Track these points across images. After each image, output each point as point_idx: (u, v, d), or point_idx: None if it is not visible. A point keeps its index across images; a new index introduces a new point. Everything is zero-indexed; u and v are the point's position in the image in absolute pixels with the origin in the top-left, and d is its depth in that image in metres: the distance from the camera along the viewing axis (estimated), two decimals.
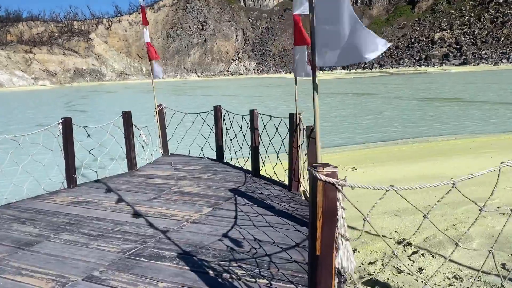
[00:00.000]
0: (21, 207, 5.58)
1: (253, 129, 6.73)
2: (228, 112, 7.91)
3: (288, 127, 5.92)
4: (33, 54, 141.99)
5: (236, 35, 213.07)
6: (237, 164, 7.74)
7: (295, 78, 5.87)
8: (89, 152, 7.31)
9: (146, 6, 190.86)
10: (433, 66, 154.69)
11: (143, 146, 8.34)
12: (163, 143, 9.08)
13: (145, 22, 8.75)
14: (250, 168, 7.19)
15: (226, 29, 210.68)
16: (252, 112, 6.75)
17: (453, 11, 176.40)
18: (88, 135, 7.02)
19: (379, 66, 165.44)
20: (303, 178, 5.81)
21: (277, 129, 6.38)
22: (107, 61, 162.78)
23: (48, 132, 6.57)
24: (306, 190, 5.84)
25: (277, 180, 6.52)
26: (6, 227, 4.81)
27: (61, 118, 6.52)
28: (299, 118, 5.71)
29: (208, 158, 8.53)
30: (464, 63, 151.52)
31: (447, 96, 31.72)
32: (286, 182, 6.37)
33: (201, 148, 8.70)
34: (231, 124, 7.73)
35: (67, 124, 6.56)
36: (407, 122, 19.88)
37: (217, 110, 8.07)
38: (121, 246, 4.05)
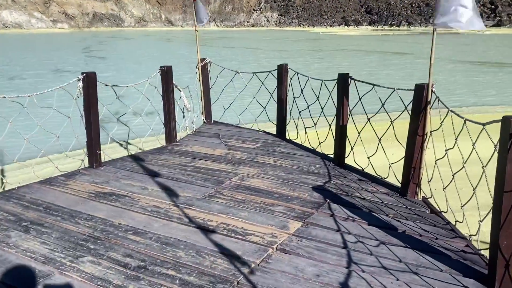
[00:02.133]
0: (26, 199, 3.97)
1: (342, 99, 4.88)
2: (298, 74, 5.99)
3: (410, 105, 4.03)
4: None
5: None
6: (306, 144, 5.96)
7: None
8: (118, 119, 5.59)
9: None
10: None
11: (183, 113, 6.58)
12: (205, 108, 7.30)
13: None
14: (326, 152, 5.43)
15: None
16: (343, 77, 4.87)
17: None
18: (117, 97, 5.28)
19: (407, 23, 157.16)
20: (428, 180, 4.02)
21: (383, 104, 4.51)
22: (126, 6, 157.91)
23: (64, 91, 4.83)
24: (429, 198, 4.07)
25: (376, 176, 4.74)
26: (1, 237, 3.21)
27: (82, 74, 4.75)
28: (432, 92, 3.82)
29: (265, 132, 6.75)
30: (498, 24, 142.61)
31: (501, 60, 28.78)
32: (387, 177, 4.61)
33: (255, 119, 6.90)
34: (301, 91, 5.82)
35: (90, 82, 4.80)
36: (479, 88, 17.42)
37: (282, 70, 6.17)
38: None
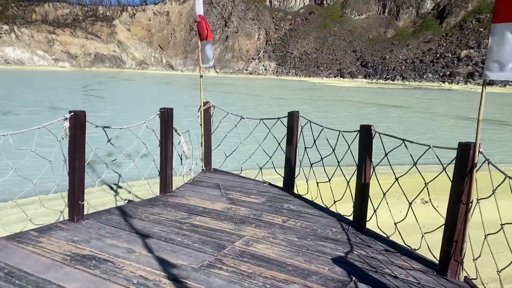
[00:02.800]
0: None
1: (364, 154, 4.30)
2: (310, 123, 5.44)
3: (452, 166, 3.43)
4: (56, 35, 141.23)
5: (259, 35, 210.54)
6: (317, 201, 5.30)
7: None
8: (107, 165, 4.93)
9: None
10: (457, 84, 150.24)
11: (181, 159, 5.96)
12: (205, 154, 6.69)
13: None
14: (341, 210, 4.77)
15: (249, 28, 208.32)
16: (366, 129, 4.31)
17: (482, 29, 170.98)
18: (109, 140, 4.66)
19: (401, 78, 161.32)
20: (473, 258, 3.36)
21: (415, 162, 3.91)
22: (128, 49, 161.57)
23: (51, 128, 4.21)
24: (474, 279, 3.39)
25: (406, 246, 4.05)
26: None
27: (70, 112, 4.15)
28: (480, 152, 3.24)
29: (270, 184, 6.11)
30: (490, 83, 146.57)
31: (496, 118, 28.85)
32: (418, 249, 3.93)
33: (260, 169, 6.28)
34: (314, 141, 5.25)
35: (78, 122, 4.19)
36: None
37: (293, 118, 5.63)
38: None
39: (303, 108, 30.80)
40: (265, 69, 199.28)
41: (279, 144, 5.91)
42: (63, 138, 4.14)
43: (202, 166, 6.72)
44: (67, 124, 4.12)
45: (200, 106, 6.59)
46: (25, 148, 3.80)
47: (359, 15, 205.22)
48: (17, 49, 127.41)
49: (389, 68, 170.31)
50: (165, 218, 4.46)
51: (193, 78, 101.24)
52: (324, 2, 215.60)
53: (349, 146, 4.72)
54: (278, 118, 5.93)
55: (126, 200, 6.08)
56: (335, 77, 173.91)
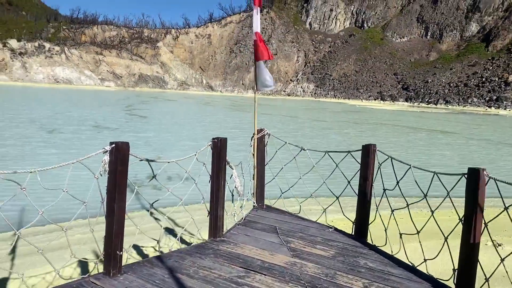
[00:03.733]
0: None
1: (474, 205, 3.33)
2: (393, 160, 4.51)
3: None
4: (102, 56, 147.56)
5: (298, 57, 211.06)
6: (400, 256, 4.31)
7: None
8: (151, 205, 4.20)
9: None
10: (505, 109, 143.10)
11: (232, 195, 5.17)
12: (258, 189, 5.86)
13: (258, 1, 5.68)
14: (437, 273, 3.75)
15: (288, 50, 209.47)
16: (474, 173, 3.35)
17: None
18: (154, 176, 3.94)
19: (444, 102, 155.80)
20: None
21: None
22: (170, 70, 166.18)
23: (89, 162, 3.53)
24: None
25: None
26: None
27: (111, 144, 3.47)
28: None
29: (336, 229, 5.17)
30: None
31: None
32: None
33: (324, 210, 5.36)
34: (397, 182, 4.32)
35: (120, 156, 3.48)
36: None
37: (368, 152, 4.72)
38: None
39: (347, 132, 29.62)
40: (303, 91, 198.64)
41: (349, 182, 5.00)
42: (101, 175, 3.44)
43: (254, 202, 5.90)
44: (106, 158, 3.43)
45: (254, 134, 5.81)
46: (55, 188, 3.11)
47: (401, 38, 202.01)
48: (66, 69, 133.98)
49: (431, 91, 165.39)
50: (218, 275, 3.63)
51: (231, 99, 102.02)
52: (365, 25, 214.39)
53: (448, 193, 3.74)
54: (348, 151, 5.04)
55: (171, 246, 5.33)
56: (375, 99, 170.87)
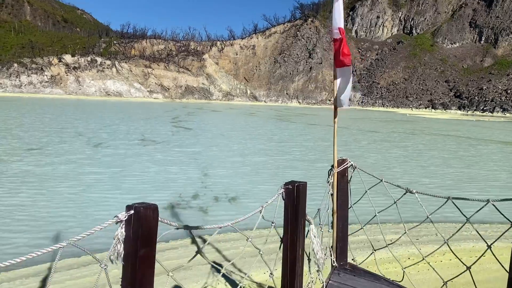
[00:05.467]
0: None
1: None
2: None
3: None
4: (151, 69, 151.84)
5: None
6: None
7: None
8: None
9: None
10: None
11: (309, 259, 3.61)
12: (339, 243, 4.27)
13: None
14: None
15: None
16: None
17: None
18: (199, 252, 2.47)
19: (501, 110, 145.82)
20: None
21: None
22: (215, 81, 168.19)
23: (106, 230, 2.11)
24: None
25: None
26: None
27: (127, 207, 2.03)
28: None
29: None
30: None
31: None
32: None
33: (445, 283, 3.67)
34: None
35: (144, 227, 2.04)
36: None
37: None
38: None
39: (404, 145, 27.19)
40: (350, 100, 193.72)
41: (489, 246, 3.30)
42: (112, 262, 2.02)
43: (333, 261, 4.30)
44: (121, 233, 2.00)
45: (333, 167, 4.24)
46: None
47: (452, 44, 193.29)
48: (117, 82, 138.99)
49: (486, 99, 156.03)
50: None
51: (275, 109, 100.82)
52: (414, 31, 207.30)
53: None
54: (487, 201, 3.33)
55: None
56: (425, 108, 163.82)
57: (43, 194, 10.37)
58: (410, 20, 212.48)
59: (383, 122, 59.47)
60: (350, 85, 4.14)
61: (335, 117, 4.37)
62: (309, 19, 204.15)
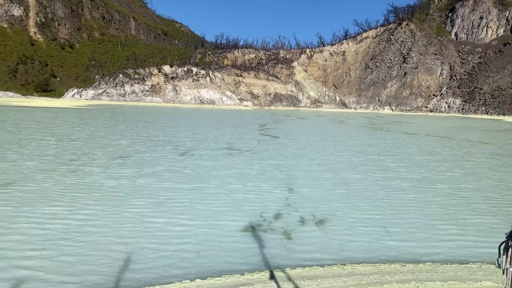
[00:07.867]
0: None
1: None
2: None
3: None
4: (242, 78, 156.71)
5: (442, 70, 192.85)
6: None
7: None
8: None
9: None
10: None
11: None
12: None
13: None
14: None
15: (430, 63, 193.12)
16: None
17: None
18: None
19: None
20: None
21: None
22: (304, 89, 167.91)
23: None
24: None
25: None
26: None
27: None
28: None
29: None
30: None
31: None
32: None
33: None
34: None
35: None
36: None
37: None
38: None
39: None
40: (448, 106, 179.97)
41: None
42: None
43: None
44: None
45: (509, 233, 3.42)
46: None
47: None
48: (210, 90, 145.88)
49: None
50: None
51: (366, 117, 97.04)
52: None
53: None
54: None
55: None
56: None
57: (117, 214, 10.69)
58: None
59: (489, 131, 53.69)
60: None
61: None
62: (404, 23, 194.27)
